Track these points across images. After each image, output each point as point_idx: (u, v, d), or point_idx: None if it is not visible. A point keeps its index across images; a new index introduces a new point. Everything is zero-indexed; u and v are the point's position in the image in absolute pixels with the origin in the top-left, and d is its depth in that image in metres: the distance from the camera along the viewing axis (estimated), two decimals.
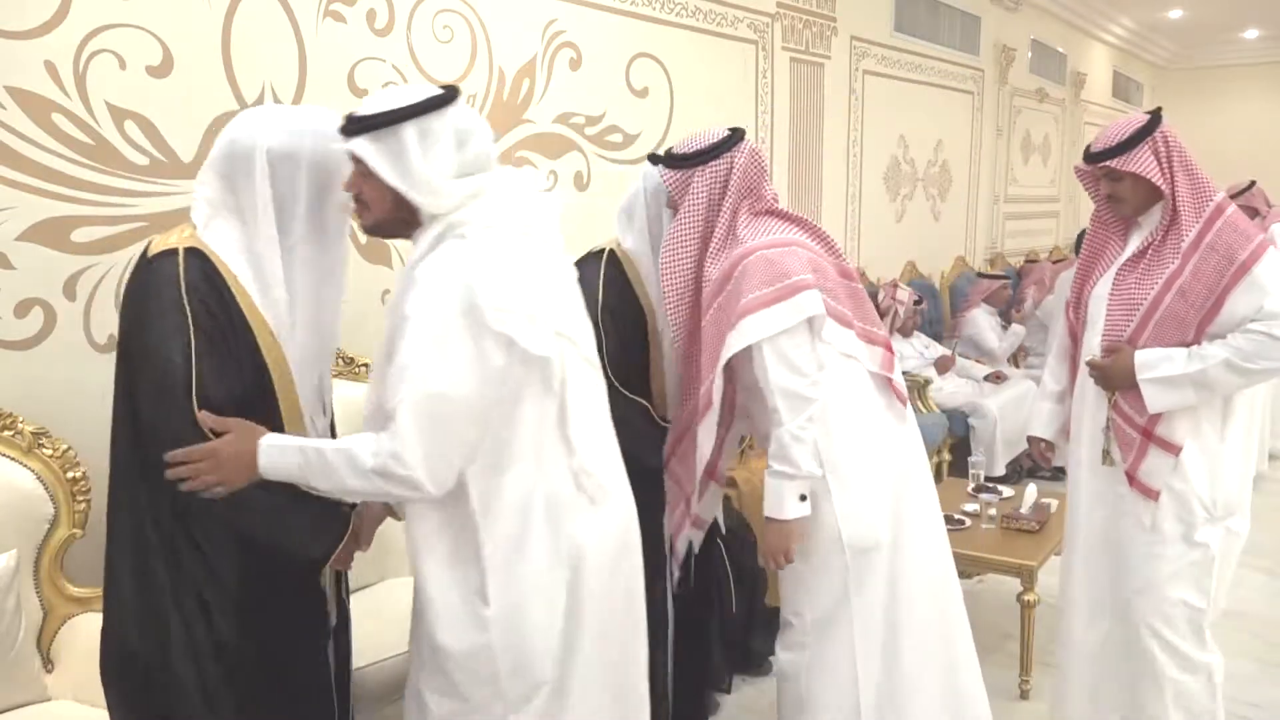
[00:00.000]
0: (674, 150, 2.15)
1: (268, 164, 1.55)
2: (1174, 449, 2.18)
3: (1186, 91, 11.11)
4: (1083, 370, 2.32)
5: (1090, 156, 2.25)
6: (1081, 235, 5.65)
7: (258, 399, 1.57)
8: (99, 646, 1.66)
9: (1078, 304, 2.40)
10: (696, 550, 2.40)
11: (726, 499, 3.27)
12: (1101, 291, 2.28)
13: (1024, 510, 3.28)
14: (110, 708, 1.67)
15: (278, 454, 1.49)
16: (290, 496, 1.54)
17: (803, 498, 2.00)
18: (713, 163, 2.08)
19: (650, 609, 1.77)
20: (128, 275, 1.65)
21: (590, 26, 3.64)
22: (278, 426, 1.58)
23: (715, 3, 4.26)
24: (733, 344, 1.98)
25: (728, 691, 2.97)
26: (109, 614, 1.64)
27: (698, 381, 2.11)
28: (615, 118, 3.80)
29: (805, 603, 2.11)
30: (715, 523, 2.99)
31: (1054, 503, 3.37)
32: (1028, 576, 2.96)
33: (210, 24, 2.50)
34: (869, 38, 5.45)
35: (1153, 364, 2.14)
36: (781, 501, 2.01)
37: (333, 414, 1.80)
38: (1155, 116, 2.19)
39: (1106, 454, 2.28)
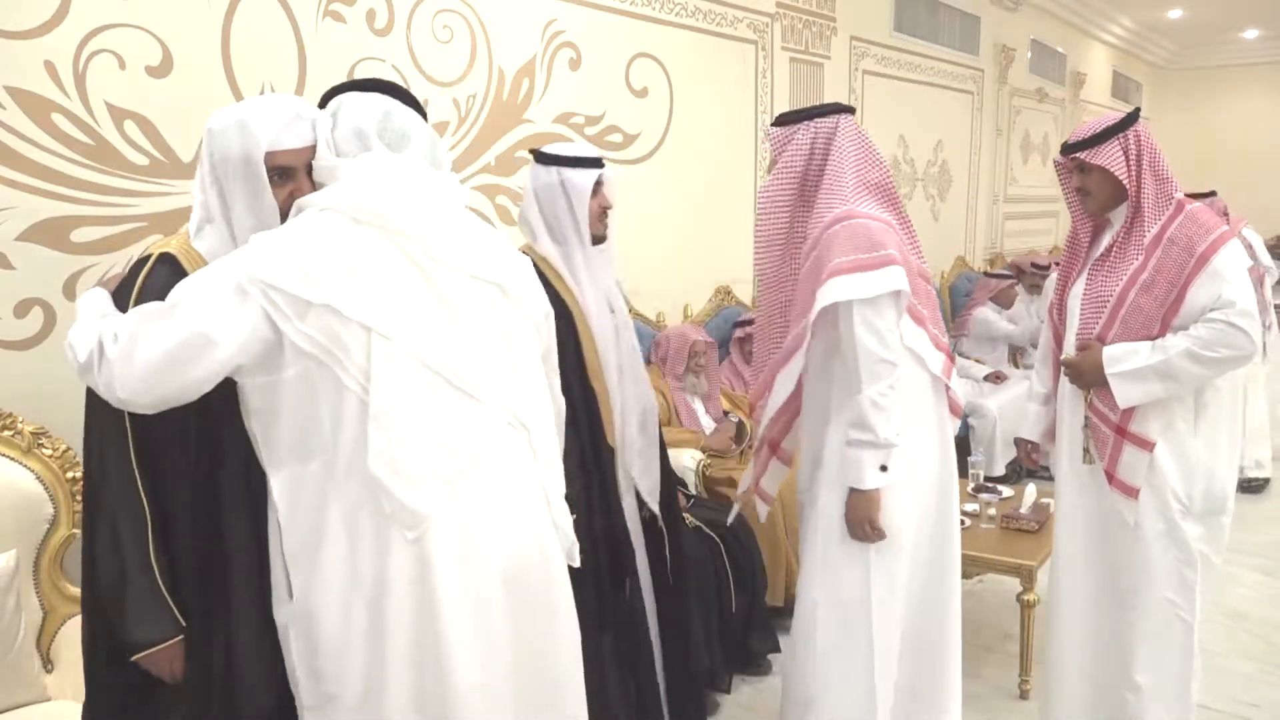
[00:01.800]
0: (783, 114, 2.25)
1: (210, 169, 1.56)
2: (1148, 445, 2.19)
3: (1186, 91, 11.11)
4: (1062, 370, 2.35)
5: (1065, 148, 2.33)
6: None
7: (225, 403, 1.51)
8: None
9: (1060, 306, 2.44)
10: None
11: (725, 498, 3.28)
12: (1078, 291, 2.33)
13: (1024, 510, 3.28)
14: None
15: (95, 297, 1.54)
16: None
17: (883, 468, 2.00)
18: (820, 119, 2.13)
19: (620, 612, 1.74)
20: None
21: (590, 26, 3.64)
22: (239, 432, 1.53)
23: (715, 3, 4.26)
24: (818, 300, 2.00)
25: (728, 691, 2.97)
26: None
27: (780, 329, 2.21)
28: (615, 118, 3.80)
29: (823, 588, 2.13)
30: (710, 521, 3.00)
31: (1053, 503, 3.36)
32: (1027, 576, 2.96)
33: (210, 24, 2.51)
34: (869, 38, 5.45)
35: (1119, 358, 2.18)
36: (862, 471, 2.01)
37: None
38: (1131, 115, 2.24)
39: (1087, 452, 2.31)
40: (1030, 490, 3.40)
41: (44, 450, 2.13)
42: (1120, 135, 2.21)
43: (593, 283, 2.24)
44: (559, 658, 1.59)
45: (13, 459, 2.10)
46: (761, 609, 3.10)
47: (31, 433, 2.12)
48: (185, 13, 2.44)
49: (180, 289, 1.40)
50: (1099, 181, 2.26)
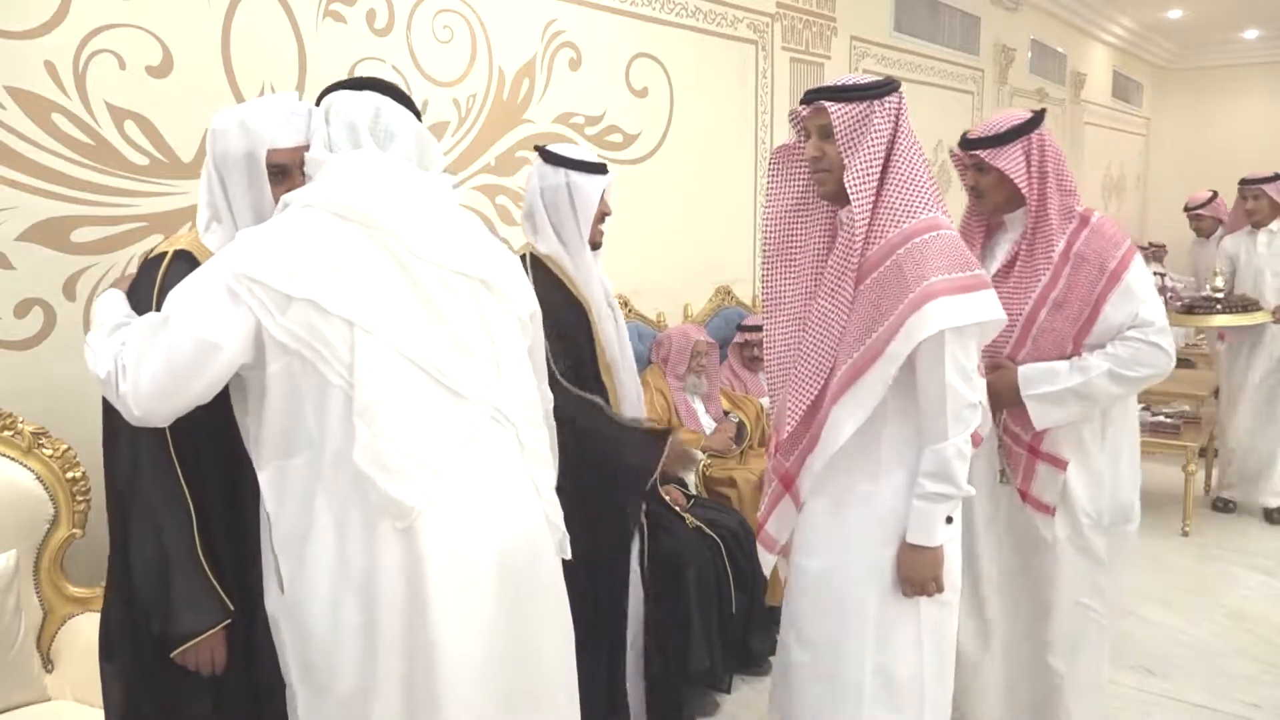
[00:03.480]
0: (838, 85, 1.84)
1: (215, 167, 1.60)
2: (1061, 464, 2.18)
3: (1186, 91, 11.11)
4: None
5: (964, 143, 2.22)
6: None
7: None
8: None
9: None
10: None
11: (725, 498, 3.28)
12: None
13: None
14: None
15: (113, 299, 1.59)
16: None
17: (949, 519, 1.79)
18: (888, 98, 1.80)
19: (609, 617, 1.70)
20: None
21: (590, 26, 3.64)
22: None
23: (715, 3, 4.26)
24: (915, 331, 1.69)
25: (728, 691, 2.97)
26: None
27: (793, 347, 1.88)
28: (615, 118, 3.80)
29: (874, 664, 1.85)
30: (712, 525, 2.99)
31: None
32: None
33: (210, 24, 2.50)
34: (869, 38, 5.45)
35: (1036, 380, 2.13)
36: (933, 527, 1.77)
37: None
38: (1036, 116, 2.13)
39: (1003, 473, 2.29)
40: None
41: (44, 450, 2.13)
42: (1024, 138, 2.11)
43: (595, 281, 2.25)
44: (549, 650, 1.59)
45: (13, 459, 2.10)
46: (761, 609, 3.09)
47: (31, 433, 2.12)
48: (185, 13, 2.44)
49: (173, 298, 1.42)
50: (995, 184, 2.17)
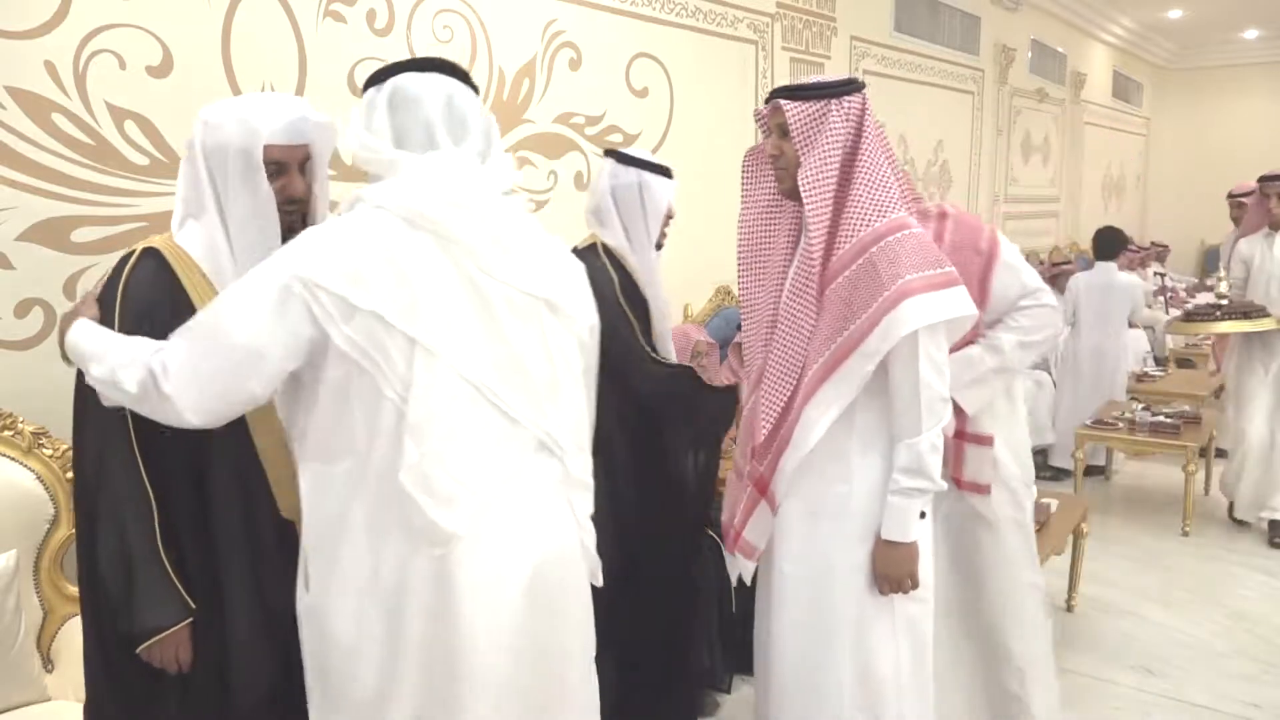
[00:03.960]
0: (799, 84, 1.86)
1: (204, 160, 1.58)
2: (987, 440, 2.26)
3: (1187, 91, 11.11)
4: None
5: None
6: (1102, 234, 5.54)
7: None
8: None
9: None
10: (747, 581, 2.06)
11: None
12: None
13: None
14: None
15: (88, 328, 1.49)
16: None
17: (922, 514, 1.82)
18: (847, 97, 1.81)
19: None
20: None
21: (590, 26, 3.64)
22: (239, 424, 1.54)
23: (715, 3, 4.26)
24: (892, 329, 1.72)
25: (728, 691, 2.97)
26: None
27: (762, 347, 1.88)
28: (615, 118, 3.80)
29: (853, 664, 1.87)
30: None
31: (1054, 503, 3.37)
32: None
33: (210, 24, 2.50)
34: (869, 38, 5.45)
35: (957, 373, 2.13)
36: (908, 523, 1.80)
37: None
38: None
39: None
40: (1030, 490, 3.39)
41: (44, 450, 2.13)
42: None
43: (658, 278, 2.38)
44: (572, 677, 1.56)
45: (13, 459, 2.10)
46: None
47: (31, 433, 2.12)
48: (185, 13, 2.44)
49: (221, 301, 1.39)
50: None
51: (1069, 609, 3.59)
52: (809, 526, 1.88)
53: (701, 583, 2.64)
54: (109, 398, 1.45)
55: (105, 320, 1.54)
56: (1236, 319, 4.37)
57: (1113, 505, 4.95)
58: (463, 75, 1.52)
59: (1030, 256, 7.54)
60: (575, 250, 2.24)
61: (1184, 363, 6.87)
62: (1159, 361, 6.64)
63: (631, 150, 2.44)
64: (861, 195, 1.79)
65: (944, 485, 1.84)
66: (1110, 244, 5.28)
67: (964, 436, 2.25)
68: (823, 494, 1.86)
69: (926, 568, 1.86)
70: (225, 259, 1.59)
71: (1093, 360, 5.25)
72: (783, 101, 1.82)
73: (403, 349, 1.36)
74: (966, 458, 2.26)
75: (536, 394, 1.47)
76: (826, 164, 1.79)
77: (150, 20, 2.37)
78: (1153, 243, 8.81)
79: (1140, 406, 4.69)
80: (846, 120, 1.80)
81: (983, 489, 2.27)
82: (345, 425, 1.39)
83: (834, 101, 1.79)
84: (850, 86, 1.82)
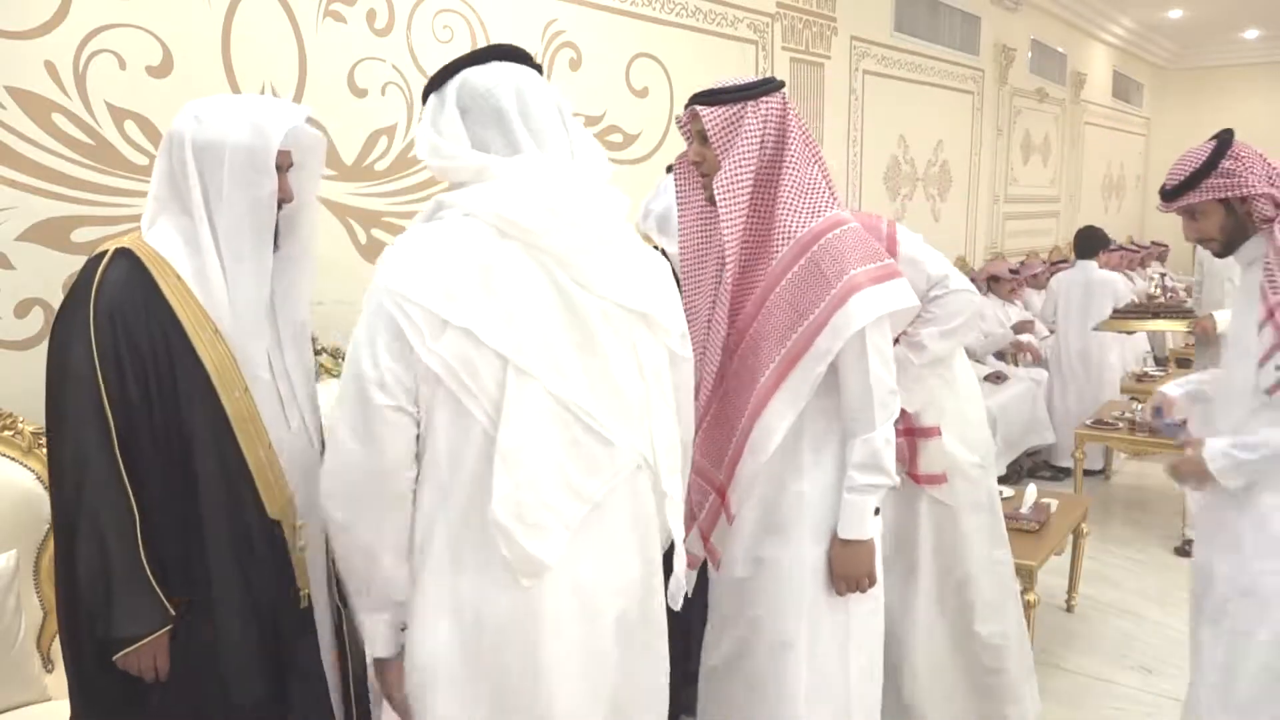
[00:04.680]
0: (714, 88, 1.81)
1: (193, 156, 1.55)
2: (934, 432, 2.30)
3: (1186, 91, 11.11)
4: None
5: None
6: (1082, 232, 5.54)
7: (198, 397, 1.55)
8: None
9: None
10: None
11: None
12: None
13: (1024, 510, 3.28)
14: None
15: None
16: None
17: (876, 511, 1.81)
18: (764, 99, 1.78)
19: None
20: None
21: (590, 26, 3.64)
22: (223, 425, 1.55)
23: (715, 3, 4.26)
24: (842, 326, 1.70)
25: None
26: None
27: (760, 351, 1.80)
28: (615, 118, 3.80)
29: (810, 671, 1.85)
30: None
31: (1054, 503, 3.37)
32: (1028, 576, 2.95)
33: (210, 24, 2.50)
34: (869, 38, 5.45)
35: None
36: (864, 520, 1.77)
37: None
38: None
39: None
40: (1030, 490, 3.39)
41: (44, 450, 2.13)
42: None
43: None
44: (647, 706, 1.51)
45: (13, 459, 2.10)
46: None
47: (31, 433, 2.12)
48: (185, 13, 2.44)
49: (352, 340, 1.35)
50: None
51: (1069, 609, 3.59)
52: (760, 533, 1.85)
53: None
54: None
55: (77, 319, 1.51)
56: (1168, 318, 4.38)
57: (1113, 505, 4.95)
58: (523, 57, 1.44)
59: (1030, 256, 7.55)
60: None
61: (1183, 362, 6.86)
62: (1159, 361, 6.64)
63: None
64: (791, 198, 1.77)
65: (898, 480, 1.84)
66: (1089, 242, 5.33)
67: (913, 433, 2.31)
68: (775, 498, 1.83)
69: (878, 565, 1.86)
70: (210, 258, 1.56)
71: (1079, 358, 5.28)
72: (699, 107, 1.80)
73: (494, 368, 1.29)
74: (920, 452, 2.31)
75: (631, 412, 1.40)
76: (740, 168, 1.77)
77: (150, 20, 2.37)
78: (1153, 242, 8.81)
79: (1140, 406, 4.69)
80: (764, 123, 1.77)
81: (939, 479, 2.33)
82: (429, 449, 1.33)
83: (749, 104, 1.77)
84: (766, 87, 1.79)
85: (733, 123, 1.77)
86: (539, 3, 3.44)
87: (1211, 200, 2.01)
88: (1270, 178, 1.98)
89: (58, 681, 2.06)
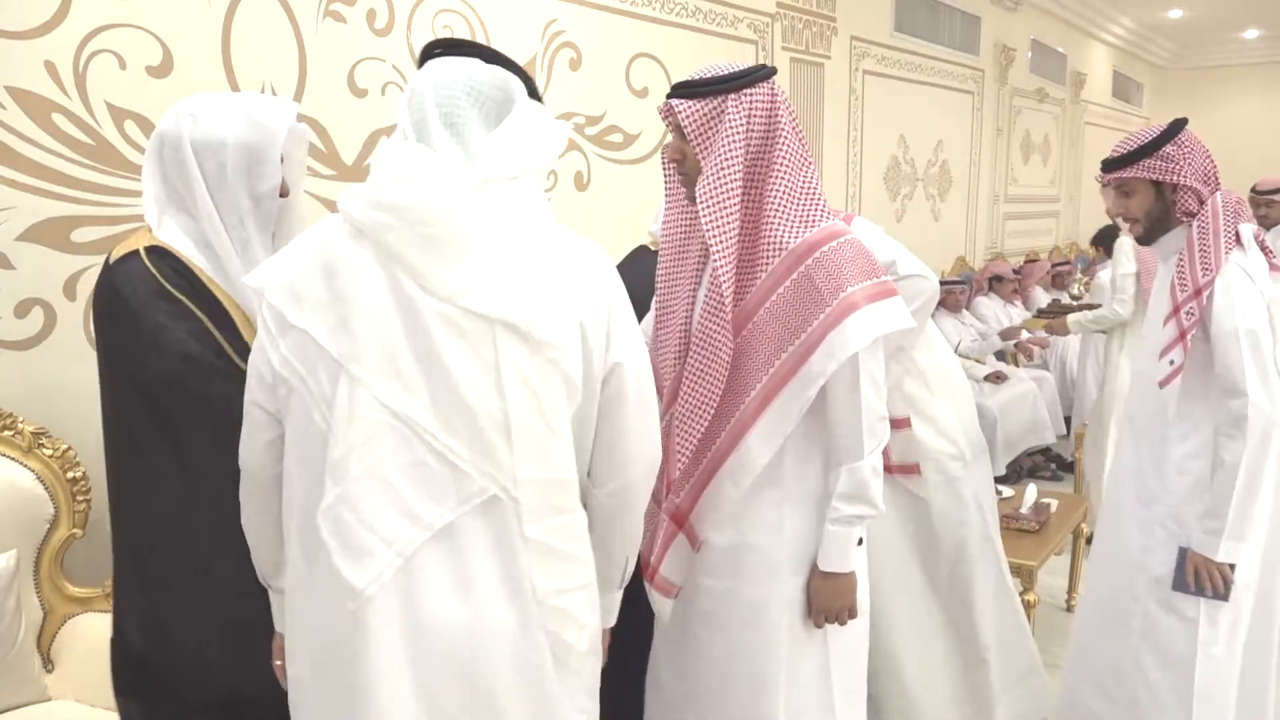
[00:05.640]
0: (692, 79, 1.66)
1: (193, 153, 1.57)
2: (903, 423, 2.28)
3: (1186, 92, 11.11)
4: None
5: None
6: (1102, 231, 5.53)
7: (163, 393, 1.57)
8: (110, 653, 1.67)
9: None
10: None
11: None
12: None
13: (1024, 510, 3.28)
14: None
15: None
16: None
17: (860, 541, 1.70)
18: (748, 90, 1.61)
19: None
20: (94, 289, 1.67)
21: (590, 26, 3.64)
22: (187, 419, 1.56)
23: (715, 3, 4.26)
24: (838, 348, 1.58)
25: None
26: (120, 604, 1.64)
27: (746, 369, 1.66)
28: (615, 118, 3.80)
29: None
30: None
31: (1054, 503, 3.37)
32: (1028, 576, 2.96)
33: (210, 24, 2.50)
34: (869, 38, 5.44)
35: None
36: (847, 552, 1.67)
37: None
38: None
39: None
40: (1030, 490, 3.39)
41: (44, 450, 2.13)
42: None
43: None
44: None
45: (13, 459, 2.10)
46: None
47: (32, 433, 2.12)
48: (185, 13, 2.44)
49: None
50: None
51: (1069, 609, 3.59)
52: (733, 560, 1.72)
53: None
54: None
55: (160, 311, 1.52)
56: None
57: None
58: (471, 50, 1.38)
59: (1031, 255, 7.56)
60: (638, 250, 2.19)
61: None
62: None
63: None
64: (784, 203, 1.62)
65: (884, 509, 1.73)
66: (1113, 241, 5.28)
67: None
68: (750, 524, 1.70)
69: (863, 596, 1.75)
70: (226, 253, 1.59)
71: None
72: (675, 101, 1.64)
73: (331, 372, 1.22)
74: (890, 443, 2.27)
75: (485, 436, 1.23)
76: (724, 171, 1.60)
77: (150, 20, 2.36)
78: None
79: None
80: (749, 117, 1.60)
81: (912, 469, 2.30)
82: (286, 449, 1.30)
83: (730, 97, 1.60)
84: (751, 77, 1.61)
85: (712, 118, 1.61)
86: (539, 3, 3.43)
87: (1144, 180, 2.06)
88: (1204, 175, 2.05)
89: (58, 681, 2.07)
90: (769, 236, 1.63)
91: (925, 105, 6.15)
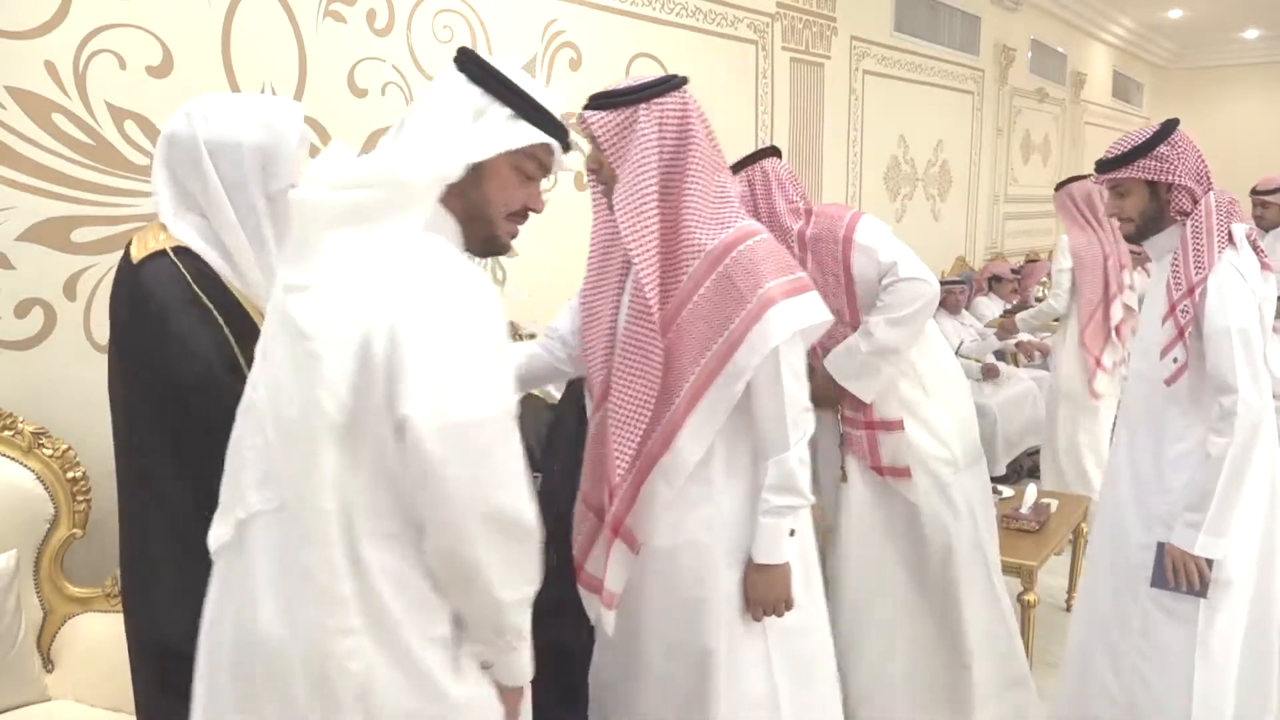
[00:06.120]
0: (606, 90, 1.71)
1: (208, 154, 1.58)
2: (896, 425, 2.30)
3: (1186, 92, 11.11)
4: None
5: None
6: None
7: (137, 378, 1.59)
8: (129, 643, 1.65)
9: None
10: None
11: None
12: None
13: (1024, 510, 3.28)
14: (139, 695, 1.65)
15: None
16: None
17: (792, 532, 1.73)
18: (659, 100, 1.66)
19: None
20: (113, 283, 1.66)
21: (590, 26, 3.64)
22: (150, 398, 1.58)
23: (715, 3, 4.26)
24: (760, 342, 1.63)
25: None
26: (145, 610, 1.62)
27: (673, 370, 1.69)
28: None
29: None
30: None
31: (1054, 503, 3.37)
32: (1028, 576, 2.96)
33: (210, 24, 2.50)
34: (869, 38, 5.45)
35: (841, 363, 2.26)
36: (780, 543, 1.71)
37: None
38: (765, 150, 2.28)
39: (843, 471, 2.36)
40: (1030, 490, 3.39)
41: (44, 450, 2.13)
42: (748, 169, 2.34)
43: None
44: None
45: (13, 459, 2.10)
46: None
47: (32, 433, 2.12)
48: (185, 13, 2.44)
49: None
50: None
51: (1069, 609, 3.59)
52: (670, 560, 1.74)
53: None
54: None
55: (192, 317, 1.53)
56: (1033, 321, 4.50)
57: None
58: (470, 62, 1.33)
59: (1031, 255, 7.56)
60: None
61: None
62: None
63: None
64: (699, 206, 1.66)
65: (813, 499, 1.77)
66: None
67: (873, 426, 2.29)
68: (683, 522, 1.73)
69: (799, 583, 1.77)
70: (244, 255, 1.60)
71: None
72: (588, 113, 1.68)
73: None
74: (880, 445, 2.29)
75: (272, 445, 1.21)
76: (640, 177, 1.63)
77: (150, 20, 2.37)
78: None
79: None
80: (661, 125, 1.65)
81: (902, 472, 2.30)
82: None
83: (641, 107, 1.64)
84: (662, 86, 1.67)
85: (624, 128, 1.65)
86: (539, 3, 3.44)
87: (1139, 180, 2.08)
88: (1198, 174, 2.07)
89: (58, 681, 2.07)
90: (688, 239, 1.67)
91: (925, 105, 6.15)
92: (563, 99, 1.39)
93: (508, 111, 1.31)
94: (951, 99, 6.51)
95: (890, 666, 2.41)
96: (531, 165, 1.38)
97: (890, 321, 2.19)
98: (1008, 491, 3.54)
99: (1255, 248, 2.09)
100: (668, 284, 1.69)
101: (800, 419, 1.70)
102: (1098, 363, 3.97)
